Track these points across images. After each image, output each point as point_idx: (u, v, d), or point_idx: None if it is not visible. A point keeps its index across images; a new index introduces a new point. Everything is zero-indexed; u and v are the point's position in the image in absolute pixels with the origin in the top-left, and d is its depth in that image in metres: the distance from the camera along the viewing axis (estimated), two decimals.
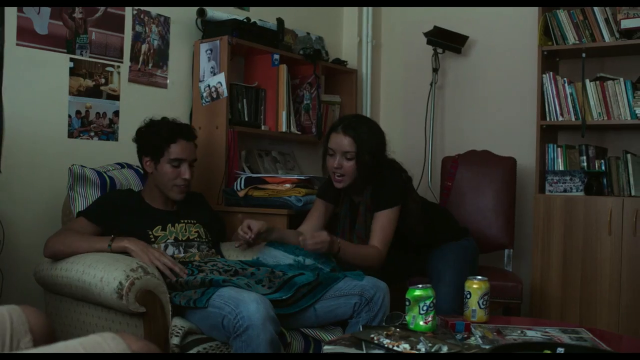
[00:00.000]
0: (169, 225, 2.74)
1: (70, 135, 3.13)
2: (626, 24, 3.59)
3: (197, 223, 2.84)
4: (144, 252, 2.49)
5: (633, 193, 3.59)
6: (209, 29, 3.60)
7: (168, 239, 2.70)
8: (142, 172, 2.90)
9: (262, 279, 2.52)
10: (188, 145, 2.79)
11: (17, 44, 2.92)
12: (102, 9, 3.22)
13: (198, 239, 2.80)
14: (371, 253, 2.82)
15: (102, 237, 2.58)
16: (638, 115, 3.57)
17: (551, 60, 3.96)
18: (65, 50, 3.10)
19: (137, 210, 2.74)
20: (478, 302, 2.34)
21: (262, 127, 3.73)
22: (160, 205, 2.81)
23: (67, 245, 2.52)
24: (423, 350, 1.85)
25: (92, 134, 3.22)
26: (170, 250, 2.69)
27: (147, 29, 3.43)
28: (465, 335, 2.11)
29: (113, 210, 2.68)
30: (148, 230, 2.68)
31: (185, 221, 2.80)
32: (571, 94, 3.74)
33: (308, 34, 4.19)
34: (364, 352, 1.91)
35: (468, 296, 2.36)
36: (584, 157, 3.77)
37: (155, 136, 2.76)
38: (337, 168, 2.89)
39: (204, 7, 3.56)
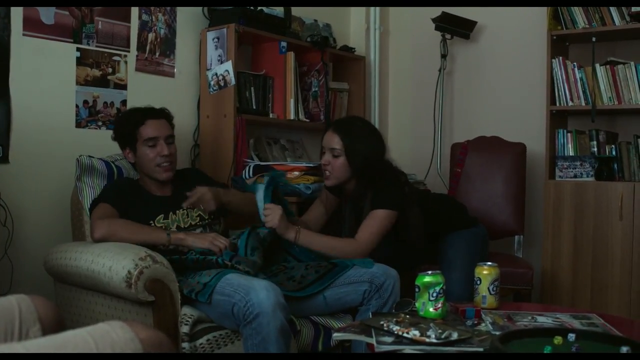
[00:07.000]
0: (170, 213, 2.73)
1: (78, 125, 3.13)
2: (637, 7, 3.53)
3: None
4: (201, 237, 2.56)
5: None
6: (215, 17, 3.58)
7: (171, 228, 2.69)
8: None
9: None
10: (158, 123, 2.80)
11: (24, 34, 2.91)
12: None
13: (201, 222, 2.79)
14: (345, 246, 2.76)
15: (157, 228, 2.62)
16: None
17: (561, 44, 3.92)
18: (71, 40, 3.09)
19: (140, 198, 2.73)
20: (488, 288, 2.33)
21: (270, 115, 3.72)
22: (157, 191, 2.81)
23: (122, 233, 2.51)
24: (433, 336, 1.84)
25: (100, 123, 3.21)
26: None
27: (153, 17, 3.42)
28: (476, 322, 2.10)
29: (124, 195, 2.69)
30: (150, 221, 2.67)
31: (186, 208, 2.77)
32: (581, 79, 3.70)
33: (315, 21, 4.17)
34: (374, 339, 1.91)
35: (478, 282, 2.35)
36: (595, 142, 3.74)
37: (125, 125, 2.80)
38: (325, 165, 2.90)
39: None
